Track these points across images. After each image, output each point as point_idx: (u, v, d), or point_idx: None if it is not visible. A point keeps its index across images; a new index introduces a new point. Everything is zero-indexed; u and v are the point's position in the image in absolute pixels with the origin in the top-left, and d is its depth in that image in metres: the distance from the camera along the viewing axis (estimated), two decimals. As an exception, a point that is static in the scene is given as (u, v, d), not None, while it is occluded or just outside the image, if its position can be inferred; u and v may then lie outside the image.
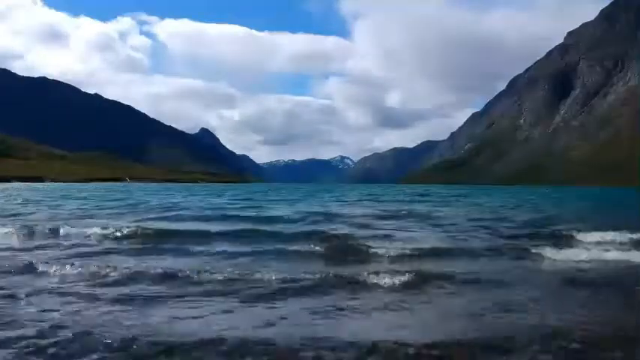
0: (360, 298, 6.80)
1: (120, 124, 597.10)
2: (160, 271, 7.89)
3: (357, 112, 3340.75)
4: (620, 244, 11.29)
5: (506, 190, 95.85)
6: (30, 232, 12.78)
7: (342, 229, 14.89)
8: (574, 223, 17.16)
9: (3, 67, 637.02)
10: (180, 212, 21.48)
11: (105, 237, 12.23)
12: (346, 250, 10.61)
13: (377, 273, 7.86)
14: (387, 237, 13.07)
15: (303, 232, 13.87)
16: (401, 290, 7.22)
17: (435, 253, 10.33)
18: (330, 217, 19.45)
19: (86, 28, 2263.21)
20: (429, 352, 4.61)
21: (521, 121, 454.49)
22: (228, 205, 29.30)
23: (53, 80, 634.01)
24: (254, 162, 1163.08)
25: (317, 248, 10.84)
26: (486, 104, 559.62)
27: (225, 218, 18.70)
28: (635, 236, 11.99)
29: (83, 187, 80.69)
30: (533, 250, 10.44)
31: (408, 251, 10.17)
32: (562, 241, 12.27)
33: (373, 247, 10.53)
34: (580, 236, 12.71)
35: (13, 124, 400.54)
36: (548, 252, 10.20)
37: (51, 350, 4.54)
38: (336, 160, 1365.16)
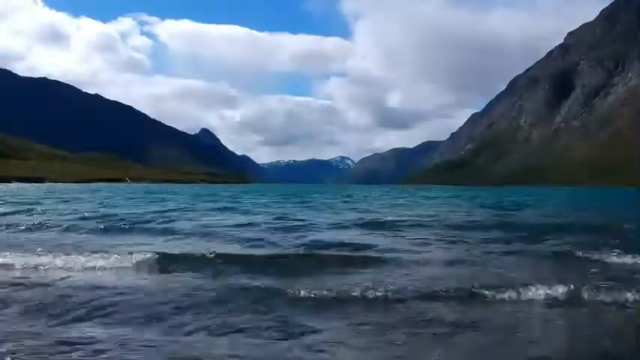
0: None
1: (120, 125, 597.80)
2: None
3: (357, 112, 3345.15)
4: None
5: (508, 191, 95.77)
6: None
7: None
8: (587, 234, 14.04)
9: (4, 67, 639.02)
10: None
11: None
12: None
13: None
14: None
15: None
16: None
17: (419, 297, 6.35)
18: (290, 227, 15.41)
19: (87, 29, 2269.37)
20: None
21: (522, 121, 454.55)
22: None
23: (54, 81, 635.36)
24: (254, 162, 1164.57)
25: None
26: (487, 104, 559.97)
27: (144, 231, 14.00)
28: None
29: (85, 188, 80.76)
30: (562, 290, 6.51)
31: (388, 293, 6.35)
32: (590, 266, 8.69)
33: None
34: (610, 259, 9.23)
35: (14, 125, 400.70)
36: (600, 295, 6.43)
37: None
38: (336, 160, 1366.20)
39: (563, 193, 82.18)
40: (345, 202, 36.52)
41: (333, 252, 10.26)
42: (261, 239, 12.13)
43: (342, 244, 11.29)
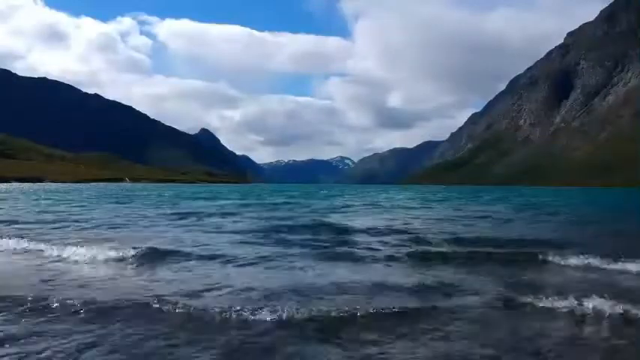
0: None
1: (120, 125, 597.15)
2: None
3: (357, 112, 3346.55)
4: None
5: (511, 191, 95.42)
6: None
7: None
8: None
9: (4, 67, 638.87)
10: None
11: None
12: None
13: None
14: None
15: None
16: None
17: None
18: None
19: (87, 29, 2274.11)
20: None
21: (522, 121, 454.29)
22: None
23: (54, 81, 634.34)
24: (254, 162, 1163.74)
25: None
26: (487, 104, 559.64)
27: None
28: None
29: (86, 188, 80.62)
30: None
31: None
32: None
33: None
34: None
35: (14, 124, 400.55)
36: None
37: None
38: (336, 160, 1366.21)
39: (565, 194, 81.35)
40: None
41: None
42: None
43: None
